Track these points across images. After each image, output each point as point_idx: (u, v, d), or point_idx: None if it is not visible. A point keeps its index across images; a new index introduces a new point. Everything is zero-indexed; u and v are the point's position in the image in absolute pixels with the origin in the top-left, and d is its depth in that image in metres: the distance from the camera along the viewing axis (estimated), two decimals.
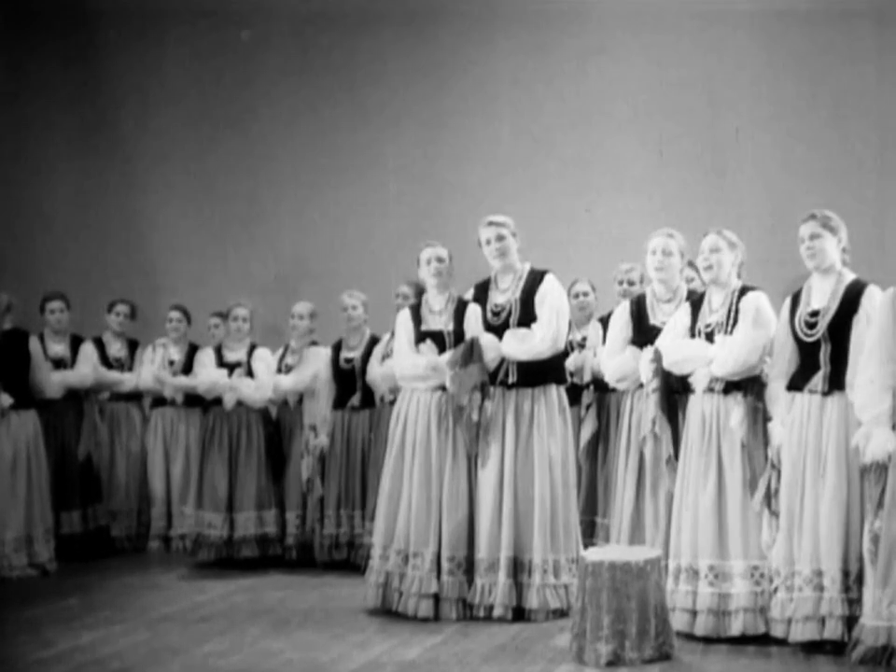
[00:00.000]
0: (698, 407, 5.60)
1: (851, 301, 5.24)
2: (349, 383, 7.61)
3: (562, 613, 5.89)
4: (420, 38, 9.31)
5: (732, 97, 8.63)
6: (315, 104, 9.50)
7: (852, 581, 5.06)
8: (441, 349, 6.22)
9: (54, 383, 7.73)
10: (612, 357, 6.23)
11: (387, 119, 9.35)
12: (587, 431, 6.92)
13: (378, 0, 9.34)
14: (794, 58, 8.51)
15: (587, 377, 6.96)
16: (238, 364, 7.75)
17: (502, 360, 6.11)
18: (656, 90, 8.77)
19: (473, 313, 6.26)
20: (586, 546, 6.16)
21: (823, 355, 5.26)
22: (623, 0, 8.86)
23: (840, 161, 8.34)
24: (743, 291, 5.62)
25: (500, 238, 6.18)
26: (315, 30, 9.50)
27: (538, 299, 6.14)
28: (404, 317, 6.44)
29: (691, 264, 6.49)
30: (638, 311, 6.20)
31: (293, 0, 9.52)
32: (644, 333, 6.06)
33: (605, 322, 6.94)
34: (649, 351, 5.86)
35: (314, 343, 7.87)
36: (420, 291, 6.98)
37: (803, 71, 8.48)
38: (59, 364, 7.99)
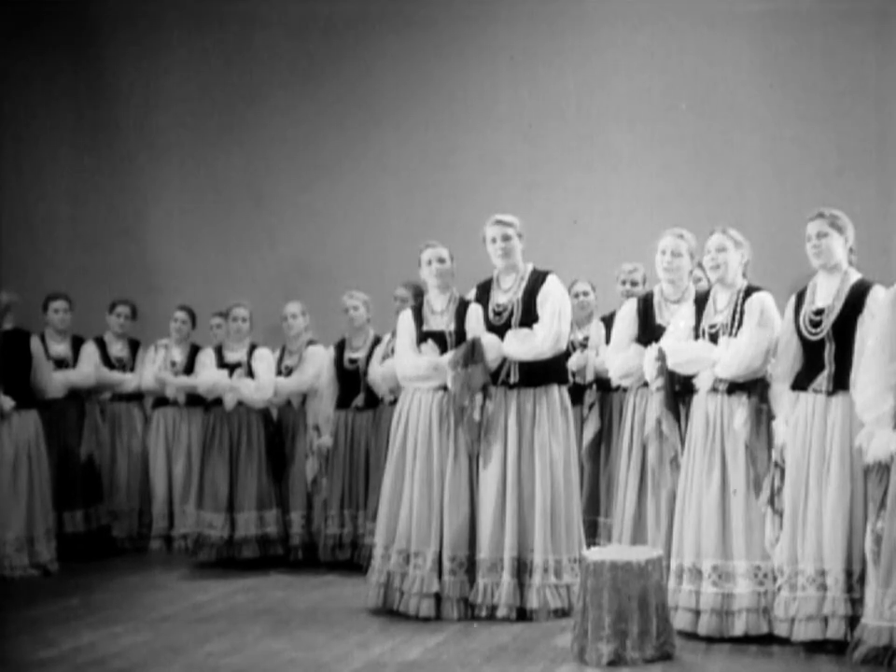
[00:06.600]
0: (702, 407, 5.60)
1: (856, 300, 5.23)
2: (353, 383, 7.60)
3: (563, 613, 5.89)
4: (420, 41, 9.32)
5: (732, 97, 8.63)
6: (315, 104, 9.51)
7: (855, 581, 5.06)
8: (443, 349, 6.21)
9: (56, 382, 7.73)
10: (617, 354, 6.22)
11: (388, 119, 9.36)
12: (590, 431, 6.92)
13: (378, 2, 9.35)
14: (793, 58, 8.52)
15: (590, 377, 6.96)
16: (238, 364, 7.75)
17: (504, 360, 6.11)
18: (656, 90, 8.77)
19: (475, 313, 6.25)
20: (589, 546, 6.15)
21: (828, 354, 5.25)
22: (621, 1, 8.87)
23: (841, 161, 8.34)
24: (748, 292, 5.59)
25: (506, 238, 6.18)
26: (315, 31, 9.50)
27: (539, 299, 6.14)
28: (406, 318, 6.43)
29: (700, 265, 6.49)
30: (645, 309, 6.19)
31: (293, 2, 9.53)
32: (650, 332, 6.06)
33: (607, 321, 6.95)
34: (653, 349, 5.84)
35: (311, 343, 7.87)
36: (418, 293, 6.99)
37: (802, 71, 8.49)
38: (61, 364, 8.00)
